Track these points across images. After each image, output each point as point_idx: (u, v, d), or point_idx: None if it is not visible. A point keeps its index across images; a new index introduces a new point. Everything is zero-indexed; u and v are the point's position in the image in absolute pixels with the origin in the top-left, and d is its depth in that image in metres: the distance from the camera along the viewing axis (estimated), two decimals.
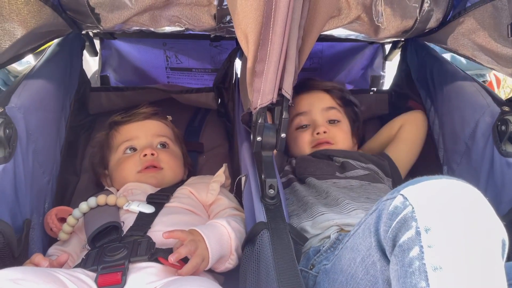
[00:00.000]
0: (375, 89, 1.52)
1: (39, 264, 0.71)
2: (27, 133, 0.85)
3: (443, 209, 0.52)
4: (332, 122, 1.16)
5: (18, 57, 0.92)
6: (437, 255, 0.50)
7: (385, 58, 1.51)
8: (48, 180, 0.97)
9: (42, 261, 0.71)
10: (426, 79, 1.20)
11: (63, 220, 0.91)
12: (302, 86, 1.22)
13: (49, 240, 0.94)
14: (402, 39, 1.32)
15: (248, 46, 0.70)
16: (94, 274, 0.71)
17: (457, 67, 1.12)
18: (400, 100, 1.40)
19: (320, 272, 0.78)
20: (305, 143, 1.15)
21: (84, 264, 0.75)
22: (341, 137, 1.14)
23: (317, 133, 1.13)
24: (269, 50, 0.68)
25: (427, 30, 1.14)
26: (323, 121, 1.15)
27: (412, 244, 0.52)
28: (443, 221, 0.52)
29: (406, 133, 1.16)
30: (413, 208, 0.53)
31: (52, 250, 0.89)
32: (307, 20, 0.71)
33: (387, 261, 0.58)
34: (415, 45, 1.28)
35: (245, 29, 0.68)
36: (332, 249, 0.82)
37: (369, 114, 1.43)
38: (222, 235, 0.79)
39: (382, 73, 1.54)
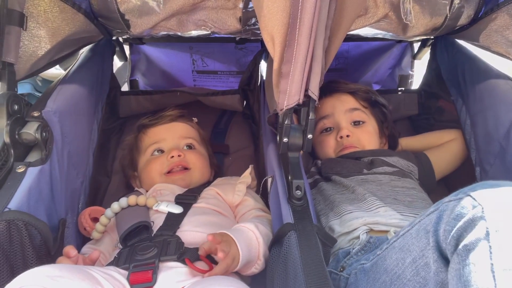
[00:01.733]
0: (403, 88, 1.49)
1: (68, 253, 0.74)
2: (62, 136, 0.89)
3: None
4: (356, 123, 1.14)
5: (53, 63, 0.96)
6: (507, 257, 0.49)
7: (414, 56, 1.48)
8: (81, 181, 1.01)
9: (71, 250, 0.74)
10: (457, 78, 1.17)
11: (96, 219, 0.94)
12: (326, 89, 1.21)
13: (83, 239, 0.98)
14: (432, 37, 1.29)
15: (274, 47, 0.70)
16: (126, 272, 0.73)
17: (489, 64, 1.08)
18: (430, 99, 1.37)
19: (356, 272, 0.77)
20: (330, 148, 1.14)
21: (116, 262, 0.77)
22: (366, 139, 1.12)
23: (341, 137, 1.12)
24: (296, 51, 0.68)
25: (457, 27, 1.11)
26: (347, 123, 1.14)
27: (480, 243, 0.51)
28: None
29: (456, 148, 1.14)
30: (483, 208, 0.53)
31: (85, 248, 0.92)
32: (333, 21, 0.70)
33: (444, 263, 0.58)
34: (446, 43, 1.24)
35: (272, 30, 0.68)
36: (363, 251, 0.81)
37: (397, 115, 1.41)
38: (251, 240, 0.79)
39: (410, 72, 1.51)
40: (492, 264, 0.49)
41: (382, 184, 0.99)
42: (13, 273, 0.68)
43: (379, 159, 1.06)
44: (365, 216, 0.86)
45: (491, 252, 0.50)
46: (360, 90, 1.20)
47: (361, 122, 1.15)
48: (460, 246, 0.53)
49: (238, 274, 0.83)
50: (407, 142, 1.23)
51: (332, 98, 1.19)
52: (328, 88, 1.22)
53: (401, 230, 0.67)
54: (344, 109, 1.16)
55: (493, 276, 0.49)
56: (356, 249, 0.81)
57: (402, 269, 0.64)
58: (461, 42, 1.20)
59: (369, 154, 1.09)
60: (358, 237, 0.84)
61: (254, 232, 0.80)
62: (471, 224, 0.53)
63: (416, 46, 1.45)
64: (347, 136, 1.11)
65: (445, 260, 0.57)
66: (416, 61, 1.49)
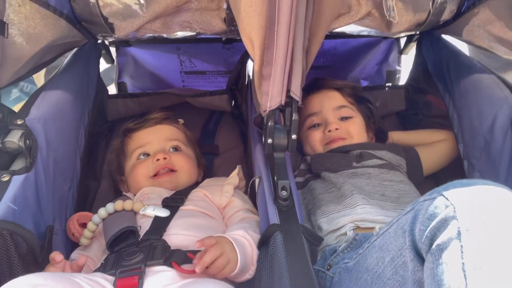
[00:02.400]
0: (390, 84, 1.50)
1: (53, 259, 0.74)
2: (47, 143, 0.89)
3: (485, 211, 0.53)
4: (344, 119, 1.16)
5: (36, 69, 0.96)
6: (478, 255, 0.50)
7: (401, 52, 1.48)
8: (69, 187, 1.00)
9: (57, 256, 0.74)
10: (443, 73, 1.17)
11: (84, 225, 0.94)
12: (313, 86, 1.22)
13: (72, 245, 0.97)
14: (417, 32, 1.29)
15: (254, 50, 0.70)
16: (112, 278, 0.73)
17: (473, 60, 1.09)
18: (417, 95, 1.37)
19: (340, 271, 0.78)
20: (316, 141, 1.15)
21: (103, 268, 0.77)
22: (355, 131, 1.14)
23: (329, 131, 1.13)
24: (275, 54, 0.68)
25: (441, 23, 1.11)
26: (335, 119, 1.15)
27: (452, 243, 0.52)
28: (485, 222, 0.52)
29: (445, 148, 1.16)
30: (454, 208, 0.53)
31: (74, 254, 0.91)
32: (312, 21, 0.70)
33: (421, 262, 0.59)
34: (431, 38, 1.25)
35: (250, 33, 0.68)
36: (349, 249, 0.82)
37: (385, 111, 1.41)
38: (245, 246, 0.78)
39: (397, 67, 1.51)
40: (463, 264, 0.50)
41: (371, 177, 1.00)
42: None
43: (368, 152, 1.07)
44: (352, 213, 0.87)
45: (462, 252, 0.51)
46: (346, 86, 1.22)
47: (348, 118, 1.16)
48: (433, 246, 0.54)
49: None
50: (398, 137, 1.24)
51: (320, 95, 1.20)
52: (316, 85, 1.22)
53: (381, 229, 0.68)
54: (332, 106, 1.16)
55: (464, 275, 0.50)
56: (343, 247, 0.81)
57: (382, 268, 0.65)
58: (446, 37, 1.20)
59: (358, 147, 1.10)
60: (345, 234, 0.85)
61: (246, 238, 0.80)
62: (443, 223, 0.54)
63: (403, 41, 1.45)
64: (336, 129, 1.12)
65: (422, 259, 0.58)
66: (403, 56, 1.49)
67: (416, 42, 1.35)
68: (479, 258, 0.50)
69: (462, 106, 1.06)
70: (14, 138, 0.81)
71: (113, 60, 1.44)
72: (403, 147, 1.16)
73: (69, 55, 1.14)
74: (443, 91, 1.18)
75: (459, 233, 0.52)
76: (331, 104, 1.17)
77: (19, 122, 0.84)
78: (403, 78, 1.51)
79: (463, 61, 1.10)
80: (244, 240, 0.79)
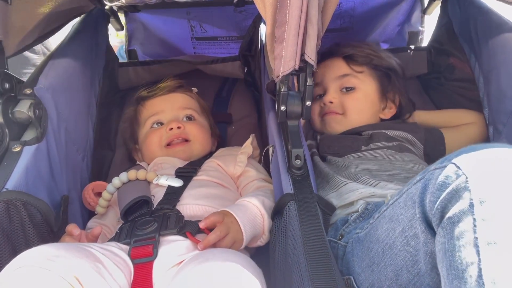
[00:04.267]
0: (413, 46, 1.42)
1: (71, 232, 0.75)
2: (57, 112, 0.88)
3: (501, 179, 0.48)
4: (348, 89, 1.08)
5: (43, 38, 0.94)
6: (492, 229, 0.46)
7: (424, 11, 1.39)
8: (82, 156, 1.00)
9: (74, 229, 0.75)
10: (469, 33, 1.09)
11: (99, 194, 0.94)
12: (323, 53, 1.15)
13: (89, 213, 0.99)
14: None
15: (265, 9, 0.66)
16: (127, 247, 0.74)
17: (504, 17, 1.00)
18: (440, 57, 1.30)
19: (352, 241, 0.77)
20: (315, 114, 1.11)
21: (117, 237, 0.78)
22: (353, 105, 1.06)
23: (323, 104, 1.08)
24: (288, 13, 0.64)
25: None
26: (335, 90, 1.09)
27: (464, 216, 0.48)
28: (501, 192, 0.47)
29: (474, 132, 1.07)
30: (467, 178, 0.49)
31: (91, 223, 0.93)
32: None
33: (432, 233, 0.55)
34: None
35: None
36: (361, 218, 0.80)
37: (406, 74, 1.34)
38: (256, 217, 0.78)
39: (420, 28, 1.42)
40: (476, 238, 0.47)
41: (378, 160, 0.96)
42: (15, 252, 0.68)
43: (379, 133, 1.02)
44: (361, 187, 0.84)
45: (475, 225, 0.47)
46: (358, 53, 1.12)
47: (350, 89, 1.08)
48: (444, 219, 0.51)
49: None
50: (424, 117, 1.16)
51: (323, 65, 1.13)
52: (325, 53, 1.15)
53: (391, 198, 0.65)
54: (333, 76, 1.10)
55: (477, 251, 0.46)
56: (354, 216, 0.79)
57: (393, 239, 0.62)
58: None
59: (371, 128, 1.04)
60: (357, 211, 0.82)
61: (258, 207, 0.79)
62: (455, 195, 0.50)
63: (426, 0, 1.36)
64: (330, 102, 1.07)
65: (433, 231, 0.55)
66: (426, 16, 1.40)
67: (440, 0, 1.26)
68: (494, 232, 0.46)
69: (490, 68, 0.99)
70: (24, 108, 0.80)
71: (122, 27, 1.40)
72: (426, 128, 1.08)
73: (76, 22, 1.11)
74: (469, 52, 1.11)
75: (471, 205, 0.48)
76: (333, 73, 1.10)
77: (28, 91, 0.82)
78: (425, 40, 1.43)
79: (492, 20, 1.01)
80: (255, 209, 0.79)
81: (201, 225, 0.73)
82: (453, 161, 0.52)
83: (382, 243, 0.65)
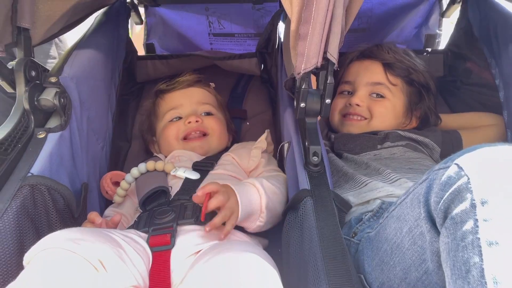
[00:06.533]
0: (429, 49, 1.41)
1: (94, 220, 0.77)
2: (80, 101, 0.90)
3: (503, 179, 0.48)
4: (378, 96, 1.08)
5: (68, 28, 0.95)
6: (494, 230, 0.47)
7: (442, 14, 1.39)
8: (102, 146, 1.02)
9: (97, 218, 0.77)
10: (489, 37, 1.09)
11: (117, 184, 0.96)
12: (363, 52, 1.14)
13: (106, 202, 1.01)
14: None
15: (292, 7, 0.67)
16: (145, 235, 0.75)
17: None
18: (457, 61, 1.30)
19: (363, 240, 0.77)
20: (335, 110, 1.10)
21: (136, 226, 0.79)
22: (379, 113, 1.05)
23: (349, 104, 1.08)
24: (314, 11, 0.65)
25: None
26: (364, 93, 1.08)
27: (466, 217, 0.49)
28: (503, 193, 0.48)
29: (493, 134, 1.06)
30: (468, 178, 0.49)
31: (108, 211, 0.95)
32: None
33: (437, 232, 0.56)
34: None
35: None
36: (375, 217, 0.81)
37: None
38: (252, 194, 0.79)
39: (438, 31, 1.42)
40: (478, 239, 0.47)
41: (395, 158, 0.96)
42: (38, 236, 0.71)
43: (394, 132, 1.02)
44: (380, 186, 0.84)
45: (477, 226, 0.47)
46: (399, 64, 1.09)
47: (380, 97, 1.08)
48: (447, 219, 0.51)
49: (257, 237, 0.84)
50: (443, 119, 1.15)
51: (361, 64, 1.12)
52: (365, 52, 1.14)
53: (399, 198, 0.66)
54: (367, 80, 1.09)
55: (480, 251, 0.46)
56: (369, 215, 0.80)
57: (401, 239, 0.63)
58: None
59: (386, 129, 1.05)
60: (372, 211, 0.82)
61: (255, 185, 0.80)
62: (457, 196, 0.50)
63: (445, 2, 1.35)
64: (357, 105, 1.06)
65: (438, 230, 0.55)
66: (444, 20, 1.39)
67: (460, 3, 1.26)
68: (496, 232, 0.46)
69: (510, 72, 0.99)
70: (49, 96, 0.82)
71: (142, 21, 1.42)
72: (444, 130, 1.08)
73: (99, 14, 1.12)
74: (489, 56, 1.10)
75: (473, 206, 0.48)
76: (367, 77, 1.09)
77: (53, 80, 0.84)
78: (442, 43, 1.43)
79: None
80: (251, 186, 0.80)
81: (199, 193, 0.72)
82: (455, 161, 0.52)
83: (391, 242, 0.66)
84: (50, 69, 0.90)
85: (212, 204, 0.71)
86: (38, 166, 0.74)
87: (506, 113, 1.02)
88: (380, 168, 0.89)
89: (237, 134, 1.23)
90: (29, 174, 0.72)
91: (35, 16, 0.84)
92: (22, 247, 0.67)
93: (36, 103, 0.82)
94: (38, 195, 0.72)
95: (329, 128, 1.19)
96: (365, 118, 1.07)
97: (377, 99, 1.08)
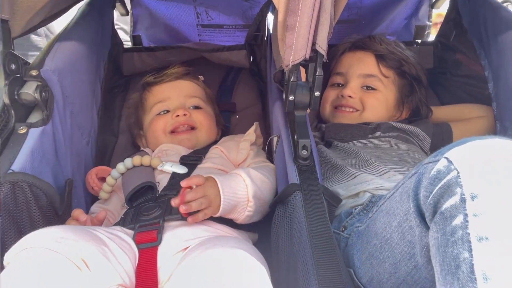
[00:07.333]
0: (419, 41, 1.41)
1: (78, 218, 0.75)
2: (63, 95, 0.87)
3: (493, 173, 0.48)
4: (369, 88, 1.08)
5: (49, 19, 0.92)
6: (483, 225, 0.46)
7: (432, 5, 1.38)
8: (87, 141, 1.00)
9: (81, 215, 0.75)
10: (479, 28, 1.09)
11: (103, 179, 0.94)
12: (354, 43, 1.13)
13: (92, 198, 0.99)
14: None
15: None
16: (132, 232, 0.74)
17: None
18: (446, 52, 1.29)
19: (352, 234, 0.77)
20: (326, 102, 1.09)
21: (122, 222, 0.78)
22: (371, 105, 1.06)
23: (341, 95, 1.07)
24: (302, 1, 0.63)
25: None
26: (356, 85, 1.07)
27: (456, 212, 0.48)
28: (492, 187, 0.47)
29: (483, 125, 1.06)
30: (458, 172, 0.49)
31: (94, 207, 0.93)
32: None
33: (427, 227, 0.55)
34: None
35: None
36: (365, 211, 0.80)
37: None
38: (238, 183, 0.78)
39: (427, 22, 1.42)
40: (468, 234, 0.46)
41: (386, 148, 0.96)
42: (20, 234, 0.69)
43: (386, 123, 1.02)
44: (369, 179, 0.84)
45: (466, 221, 0.47)
46: (391, 56, 1.09)
47: (371, 89, 1.08)
48: (437, 214, 0.50)
49: (247, 232, 0.83)
50: (434, 111, 1.15)
51: (353, 56, 1.11)
52: (356, 43, 1.13)
53: (388, 192, 0.65)
54: (360, 72, 1.08)
55: (469, 246, 0.46)
56: (358, 209, 0.80)
57: (390, 233, 0.62)
58: None
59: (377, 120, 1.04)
60: (362, 204, 0.82)
61: (241, 175, 0.79)
62: (447, 190, 0.49)
63: None
64: (349, 96, 1.06)
65: (427, 224, 0.55)
66: (433, 11, 1.39)
67: None
68: (486, 227, 0.46)
69: (499, 64, 0.99)
70: (30, 90, 0.79)
71: (128, 11, 1.39)
72: (435, 123, 1.08)
73: (82, 5, 1.09)
74: (478, 48, 1.10)
75: (463, 201, 0.47)
76: (359, 69, 1.08)
77: (34, 73, 0.82)
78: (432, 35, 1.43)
79: (503, 16, 1.01)
80: (238, 176, 0.79)
81: (183, 184, 0.73)
82: (445, 155, 0.51)
83: (380, 237, 0.65)
84: None
85: (189, 196, 0.70)
86: (19, 163, 0.72)
87: (495, 105, 1.02)
88: (369, 160, 0.89)
89: (226, 128, 1.21)
90: (10, 171, 0.70)
91: (15, 6, 0.81)
92: (2, 246, 0.65)
93: (16, 97, 0.80)
94: (19, 192, 0.70)
95: (319, 120, 1.18)
96: (357, 110, 1.07)
97: (369, 91, 1.08)
